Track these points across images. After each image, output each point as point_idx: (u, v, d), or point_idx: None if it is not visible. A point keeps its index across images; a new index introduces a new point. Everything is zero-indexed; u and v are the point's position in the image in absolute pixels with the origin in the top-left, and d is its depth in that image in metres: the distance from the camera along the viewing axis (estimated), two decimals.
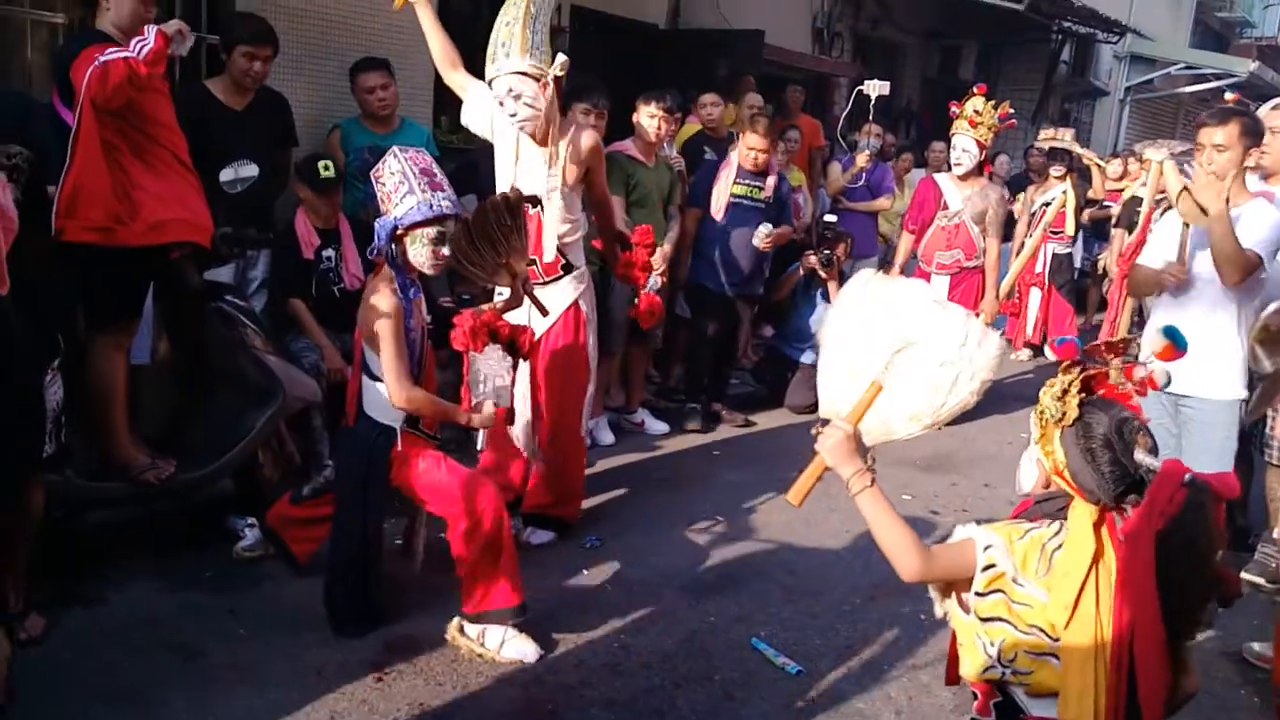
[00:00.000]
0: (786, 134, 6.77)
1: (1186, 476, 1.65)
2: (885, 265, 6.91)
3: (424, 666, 2.91)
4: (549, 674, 2.93)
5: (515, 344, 3.18)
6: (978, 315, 5.57)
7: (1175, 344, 1.92)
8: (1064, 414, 1.76)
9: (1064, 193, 7.05)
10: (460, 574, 2.95)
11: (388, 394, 2.89)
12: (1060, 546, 1.74)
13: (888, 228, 7.51)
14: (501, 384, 3.11)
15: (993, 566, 1.75)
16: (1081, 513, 1.75)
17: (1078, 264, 8.65)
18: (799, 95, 8.06)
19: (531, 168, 3.65)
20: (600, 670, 2.96)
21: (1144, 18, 14.95)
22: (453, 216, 2.94)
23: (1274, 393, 0.59)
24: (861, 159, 6.84)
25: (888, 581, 3.69)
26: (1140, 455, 1.73)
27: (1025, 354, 8.11)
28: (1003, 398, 6.72)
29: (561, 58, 3.55)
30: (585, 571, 3.65)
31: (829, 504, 4.48)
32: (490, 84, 3.56)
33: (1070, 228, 7.80)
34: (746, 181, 5.30)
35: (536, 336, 3.57)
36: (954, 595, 1.84)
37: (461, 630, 3.01)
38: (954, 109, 5.53)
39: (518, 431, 3.72)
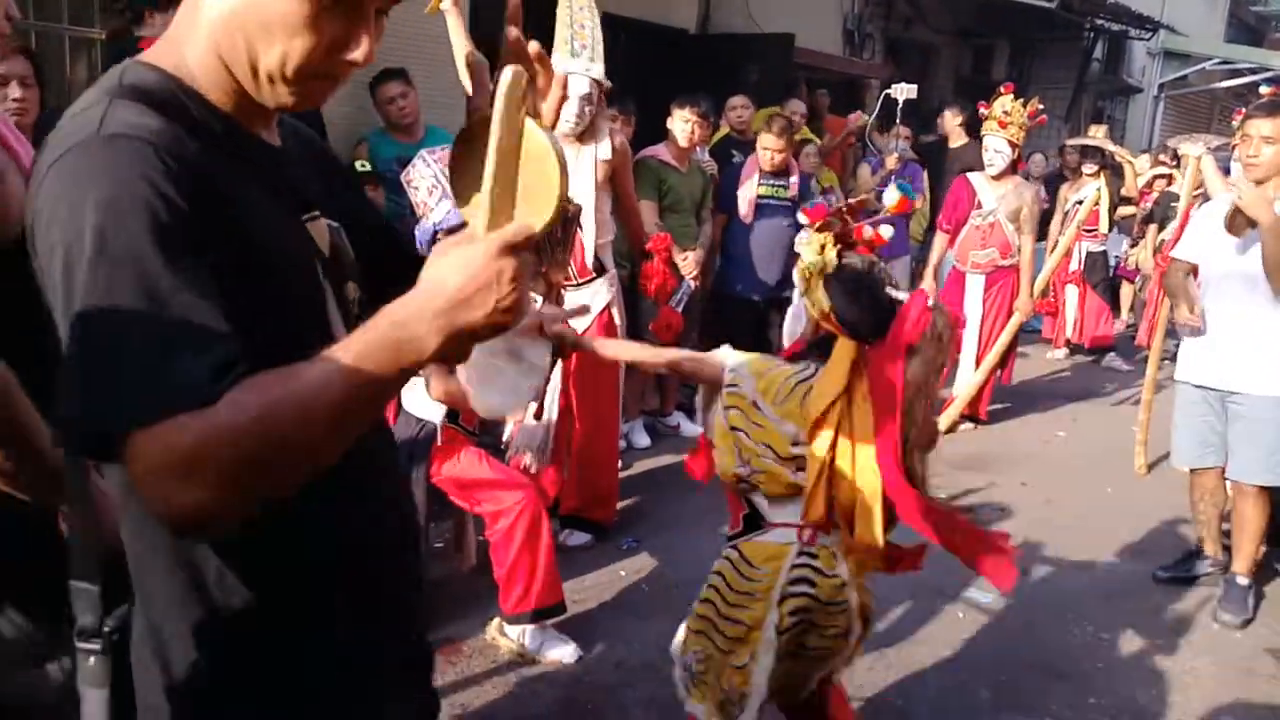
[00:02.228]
0: (804, 149, 6.77)
1: (930, 301, 1.99)
2: (918, 265, 6.90)
3: (465, 668, 2.95)
4: (588, 675, 2.96)
5: (557, 346, 3.21)
6: (1013, 313, 5.55)
7: (906, 195, 2.27)
8: (825, 264, 2.04)
9: (1097, 190, 6.99)
10: (498, 574, 2.98)
11: (425, 384, 2.93)
12: (810, 380, 2.04)
13: (918, 227, 7.48)
14: (535, 384, 3.14)
15: (735, 386, 2.09)
16: (844, 349, 2.02)
17: (1112, 261, 8.57)
18: (825, 99, 8.06)
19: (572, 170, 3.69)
20: (640, 670, 2.98)
21: (1177, 13, 14.77)
22: None
23: None
24: (891, 161, 6.83)
25: (923, 579, 3.69)
26: (889, 290, 2.05)
27: (1062, 352, 8.04)
28: (1040, 396, 6.69)
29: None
30: (623, 573, 3.68)
31: None
32: (569, 76, 3.57)
33: (1104, 225, 7.73)
34: (770, 182, 5.32)
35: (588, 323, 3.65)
36: (716, 403, 2.16)
37: (502, 631, 3.05)
38: (983, 110, 5.50)
39: (537, 430, 3.74)
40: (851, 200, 2.23)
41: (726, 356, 2.17)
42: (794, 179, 5.36)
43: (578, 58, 3.57)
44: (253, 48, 0.95)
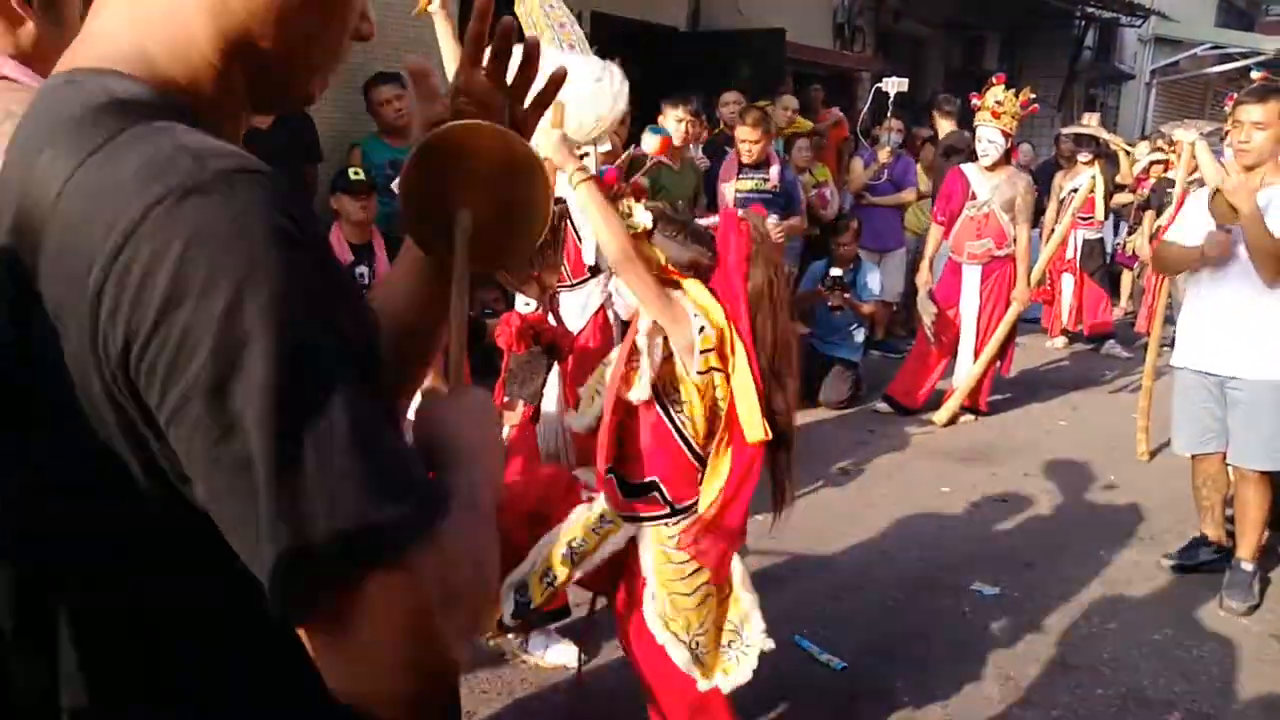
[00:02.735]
0: (796, 142, 6.76)
1: (740, 213, 2.23)
2: (915, 258, 6.88)
3: (468, 673, 2.93)
4: (593, 679, 2.93)
5: (556, 348, 3.19)
6: (1010, 303, 5.53)
7: (664, 136, 2.58)
8: (642, 224, 2.17)
9: (1092, 178, 6.98)
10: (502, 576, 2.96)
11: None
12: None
13: (913, 219, 7.47)
14: (534, 387, 3.13)
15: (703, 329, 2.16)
16: (696, 288, 2.17)
17: (1109, 249, 8.57)
18: (819, 93, 8.06)
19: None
20: None
21: None
22: None
23: None
24: (883, 154, 6.83)
25: (929, 577, 3.70)
26: (697, 222, 2.27)
27: (1061, 341, 8.04)
28: (1040, 386, 6.68)
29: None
30: None
31: (867, 500, 4.47)
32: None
33: (1100, 213, 7.72)
34: (750, 175, 5.32)
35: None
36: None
37: (505, 635, 3.03)
38: (975, 101, 5.49)
39: (544, 433, 3.73)
40: (620, 160, 2.42)
41: (691, 313, 2.17)
42: (774, 169, 5.36)
43: (565, 55, 3.46)
44: (302, 23, 0.77)
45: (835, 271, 6.15)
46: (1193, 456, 3.76)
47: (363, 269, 4.32)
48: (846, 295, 5.81)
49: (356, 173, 4.31)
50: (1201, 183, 4.54)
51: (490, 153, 0.86)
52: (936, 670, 3.05)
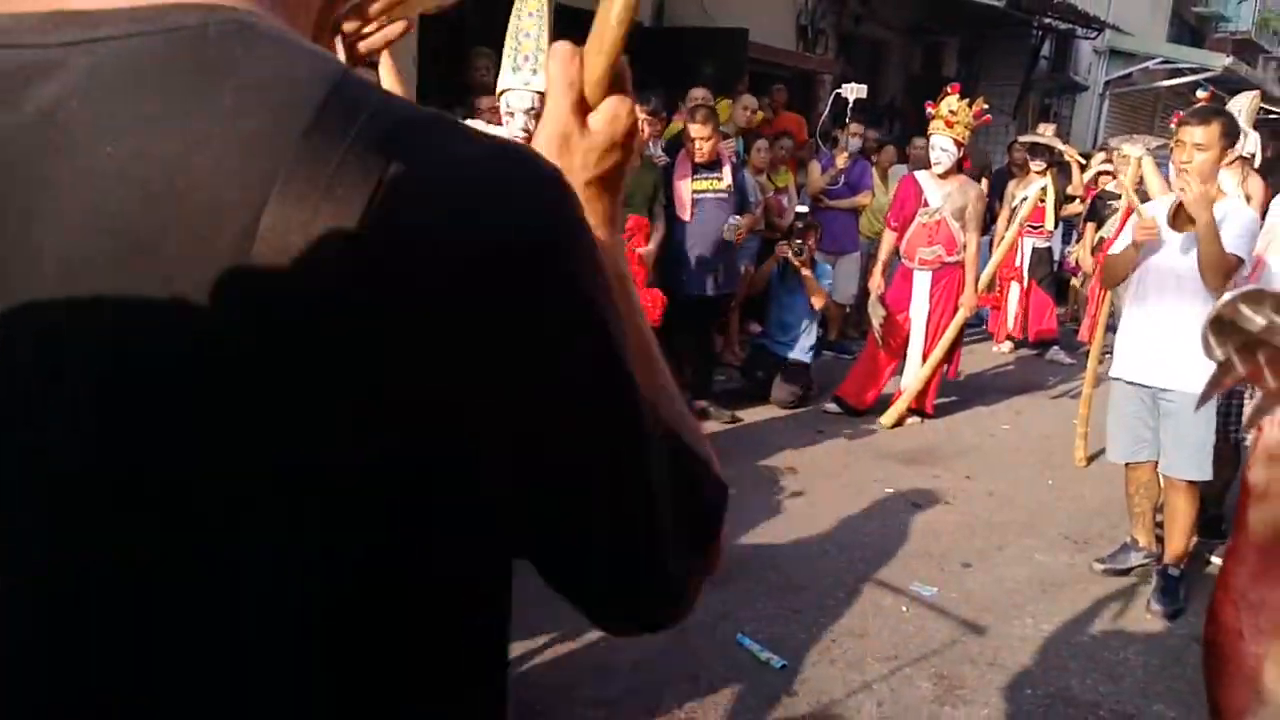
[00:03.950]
0: (780, 140, 6.83)
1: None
2: (869, 261, 6.99)
3: None
4: (537, 675, 2.98)
5: None
6: (959, 308, 5.66)
7: None
8: None
9: (1041, 188, 7.13)
10: None
11: None
12: None
13: (867, 224, 7.58)
14: None
15: None
16: None
17: (1058, 257, 8.76)
18: (782, 94, 8.13)
19: None
20: (588, 670, 3.00)
21: (1122, 13, 15.06)
22: None
23: (1220, 382, 0.61)
24: (840, 159, 6.92)
25: (870, 576, 3.78)
26: None
27: (1006, 346, 8.21)
28: (985, 390, 6.81)
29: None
30: None
31: (812, 500, 4.55)
32: (503, 94, 3.62)
33: (1050, 222, 7.89)
34: (704, 176, 5.36)
35: None
36: None
37: None
38: (930, 109, 5.59)
39: None
40: None
41: None
42: (726, 169, 5.42)
43: (518, 72, 3.57)
44: None
45: (802, 208, 6.23)
46: (1126, 465, 3.88)
47: None
48: (812, 245, 5.89)
49: None
50: (1147, 197, 4.68)
51: None
52: (873, 669, 3.12)
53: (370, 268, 0.46)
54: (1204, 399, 0.62)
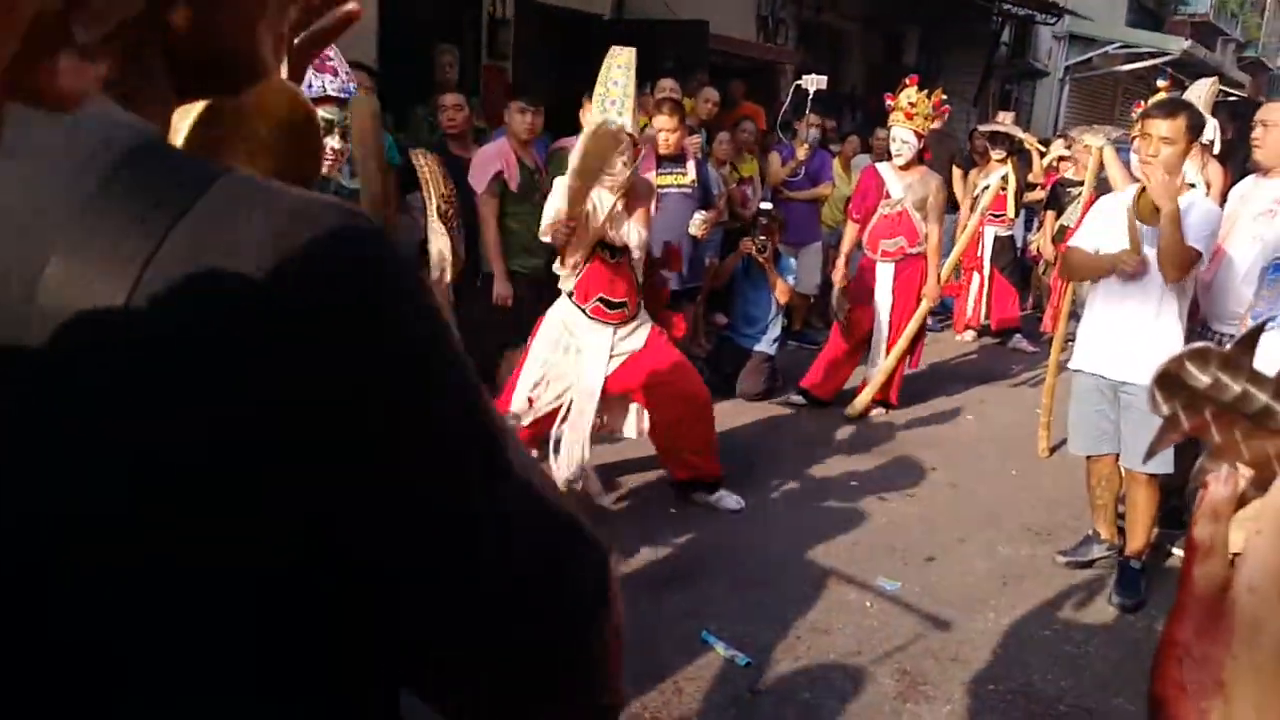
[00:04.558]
0: (741, 125, 6.82)
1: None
2: (830, 251, 7.00)
3: None
4: None
5: None
6: (921, 299, 5.68)
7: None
8: None
9: (1002, 177, 7.18)
10: None
11: None
12: None
13: (829, 214, 7.60)
14: None
15: None
16: None
17: (1019, 244, 8.82)
18: (740, 87, 8.12)
19: (620, 219, 3.98)
20: None
21: None
22: (344, 103, 2.54)
23: (1167, 437, 0.61)
24: (801, 151, 6.92)
25: (835, 571, 3.79)
26: None
27: (970, 335, 8.26)
28: (948, 380, 6.86)
29: (649, 132, 4.17)
30: None
31: (776, 492, 4.55)
32: None
33: (1011, 210, 7.94)
34: (668, 170, 5.35)
35: (618, 365, 4.05)
36: None
37: None
38: (889, 101, 5.59)
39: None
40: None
41: None
42: (690, 164, 5.41)
43: (605, 114, 3.87)
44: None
45: (766, 205, 6.23)
46: (1087, 457, 3.91)
47: None
48: (774, 242, 5.90)
49: None
50: (1111, 189, 4.71)
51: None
52: (836, 665, 3.14)
53: (138, 327, 0.46)
54: (1150, 454, 0.62)
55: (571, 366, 4.05)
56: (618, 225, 3.94)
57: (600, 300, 4.04)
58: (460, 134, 5.08)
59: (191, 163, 0.51)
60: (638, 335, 4.13)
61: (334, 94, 2.54)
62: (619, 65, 3.96)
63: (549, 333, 4.09)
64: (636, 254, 4.01)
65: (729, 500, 4.31)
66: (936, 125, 7.93)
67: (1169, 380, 0.53)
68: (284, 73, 0.79)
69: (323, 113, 2.51)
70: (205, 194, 0.48)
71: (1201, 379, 0.52)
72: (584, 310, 4.05)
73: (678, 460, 4.26)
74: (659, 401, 4.10)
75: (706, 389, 4.32)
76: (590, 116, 3.99)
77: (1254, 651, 0.47)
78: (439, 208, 2.94)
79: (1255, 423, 0.51)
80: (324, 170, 2.51)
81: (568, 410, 4.04)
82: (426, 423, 0.52)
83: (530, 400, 4.00)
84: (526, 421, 3.97)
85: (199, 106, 0.71)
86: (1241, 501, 0.51)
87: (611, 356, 4.05)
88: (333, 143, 2.56)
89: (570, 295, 4.08)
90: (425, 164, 2.96)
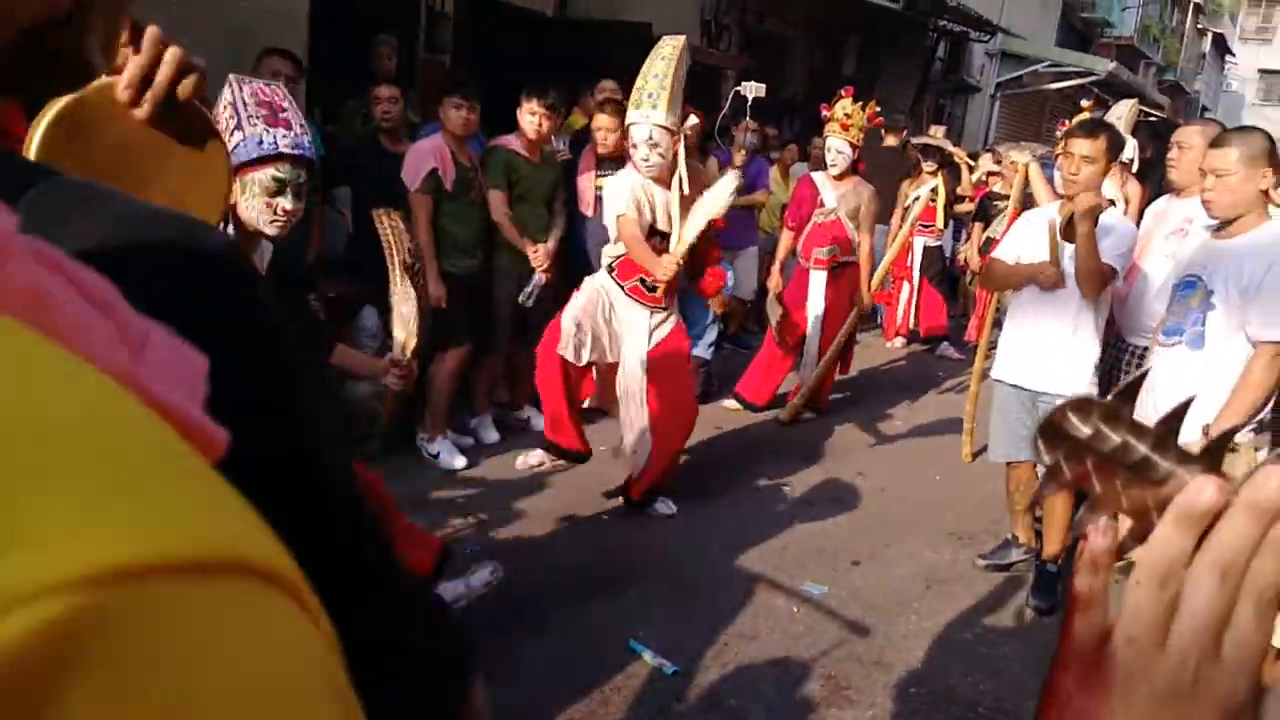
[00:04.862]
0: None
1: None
2: (767, 257, 7.06)
3: None
4: None
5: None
6: (853, 307, 5.77)
7: None
8: None
9: (932, 189, 7.33)
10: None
11: None
12: None
13: (766, 220, 7.66)
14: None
15: None
16: None
17: (948, 254, 9.01)
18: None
19: (666, 207, 4.09)
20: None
21: (1014, 17, 15.57)
22: (300, 160, 2.39)
23: (1051, 484, 0.62)
24: (738, 157, 6.97)
25: (763, 576, 3.83)
26: None
27: (899, 342, 8.42)
28: (878, 386, 6.97)
29: (692, 120, 4.22)
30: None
31: (707, 497, 4.58)
32: (630, 126, 4.00)
33: (940, 221, 8.12)
34: (608, 172, 5.35)
35: (651, 346, 4.17)
36: None
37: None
38: (825, 112, 5.67)
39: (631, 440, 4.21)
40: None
41: None
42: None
43: (639, 108, 3.95)
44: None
45: None
46: (1007, 463, 4.01)
47: None
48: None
49: None
50: (1034, 204, 4.82)
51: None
52: (763, 671, 3.17)
53: None
54: (1037, 502, 0.64)
55: (609, 336, 4.18)
56: (670, 210, 4.07)
57: (640, 281, 4.14)
58: (394, 128, 5.01)
59: (20, 163, 0.48)
60: (667, 324, 4.26)
61: (287, 151, 2.33)
62: (662, 57, 3.99)
63: (590, 294, 4.17)
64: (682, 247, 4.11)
65: (662, 505, 4.33)
66: (892, 142, 8.16)
67: (1052, 430, 0.54)
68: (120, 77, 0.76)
69: (274, 172, 2.33)
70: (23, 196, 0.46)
71: (1083, 429, 0.53)
72: (623, 288, 4.16)
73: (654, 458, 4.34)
74: (663, 394, 4.20)
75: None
76: (629, 113, 4.04)
77: (1130, 705, 0.48)
78: (405, 263, 2.69)
79: (1135, 473, 0.52)
80: (274, 231, 2.36)
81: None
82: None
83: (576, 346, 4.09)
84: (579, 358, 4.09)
85: (54, 109, 0.70)
86: (1120, 551, 0.52)
87: (650, 337, 4.19)
88: (284, 203, 2.34)
89: (611, 270, 4.17)
90: (388, 224, 2.69)
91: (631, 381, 4.17)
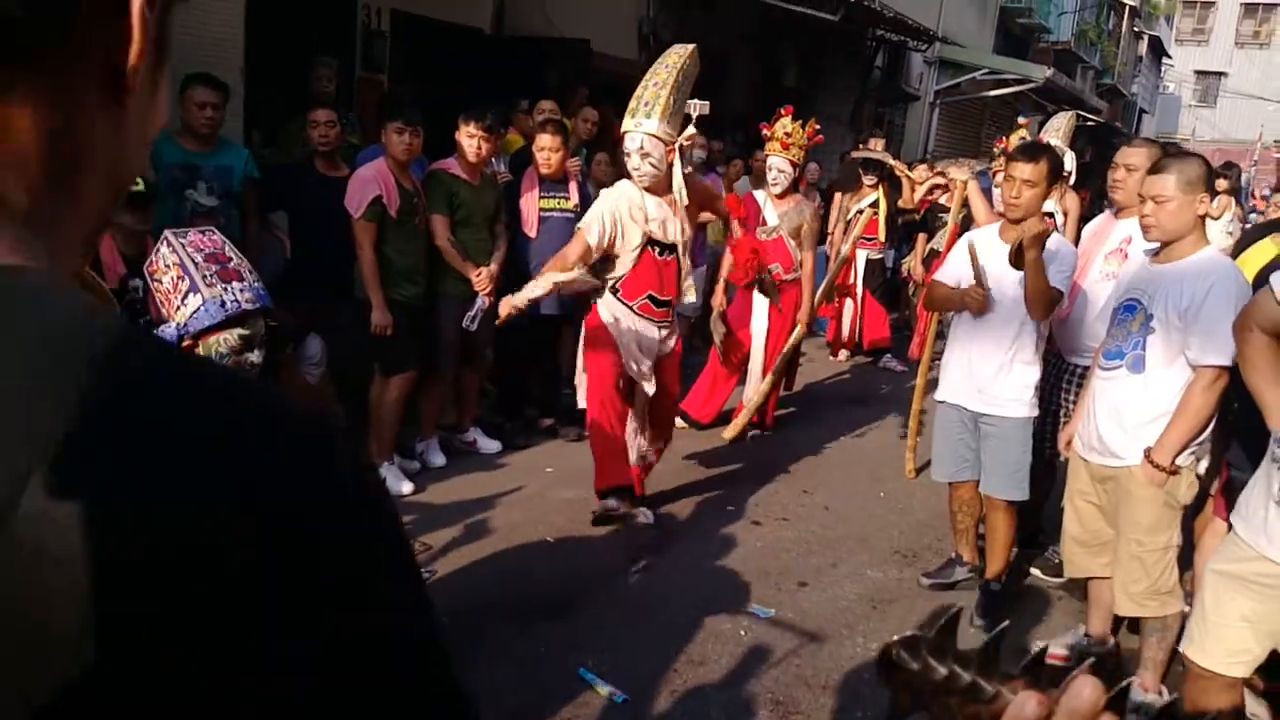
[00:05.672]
0: (596, 157, 6.83)
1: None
2: (713, 271, 7.09)
3: None
4: None
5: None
6: (796, 324, 5.81)
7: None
8: None
9: (873, 203, 7.43)
10: None
11: None
12: None
13: (713, 234, 7.70)
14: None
15: None
16: None
17: (890, 265, 9.13)
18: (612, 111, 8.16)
19: (665, 219, 4.15)
20: None
21: (952, 25, 15.83)
22: (258, 312, 2.33)
23: (897, 709, 0.64)
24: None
25: (711, 599, 3.84)
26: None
27: (843, 355, 8.51)
28: (823, 402, 7.03)
29: (690, 130, 4.15)
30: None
31: (655, 518, 4.58)
32: (624, 134, 4.00)
33: (882, 234, 8.22)
34: (551, 193, 5.35)
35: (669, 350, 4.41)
36: None
37: None
38: (765, 131, 5.71)
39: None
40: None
41: None
42: (573, 186, 5.42)
43: (633, 116, 3.95)
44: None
45: None
46: (950, 483, 4.07)
47: (137, 282, 4.05)
48: None
49: (136, 182, 4.05)
50: (974, 223, 4.89)
51: None
52: (712, 697, 3.18)
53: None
54: None
55: (624, 348, 4.26)
56: (668, 223, 4.12)
57: (649, 298, 4.19)
58: (330, 152, 4.94)
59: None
60: (672, 339, 4.39)
61: (249, 307, 2.29)
62: (666, 65, 4.00)
63: (609, 322, 4.24)
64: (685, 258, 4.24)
65: (642, 516, 4.49)
66: (858, 155, 8.28)
67: (889, 665, 0.62)
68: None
69: (240, 331, 2.30)
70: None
71: (913, 665, 0.60)
72: (632, 307, 4.20)
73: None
74: (660, 404, 4.45)
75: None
76: (624, 122, 4.04)
77: None
78: None
79: (966, 696, 0.59)
80: None
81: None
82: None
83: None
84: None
85: None
86: None
87: (660, 349, 4.34)
88: (252, 358, 2.32)
89: (616, 292, 4.20)
90: None
91: (648, 388, 4.37)
